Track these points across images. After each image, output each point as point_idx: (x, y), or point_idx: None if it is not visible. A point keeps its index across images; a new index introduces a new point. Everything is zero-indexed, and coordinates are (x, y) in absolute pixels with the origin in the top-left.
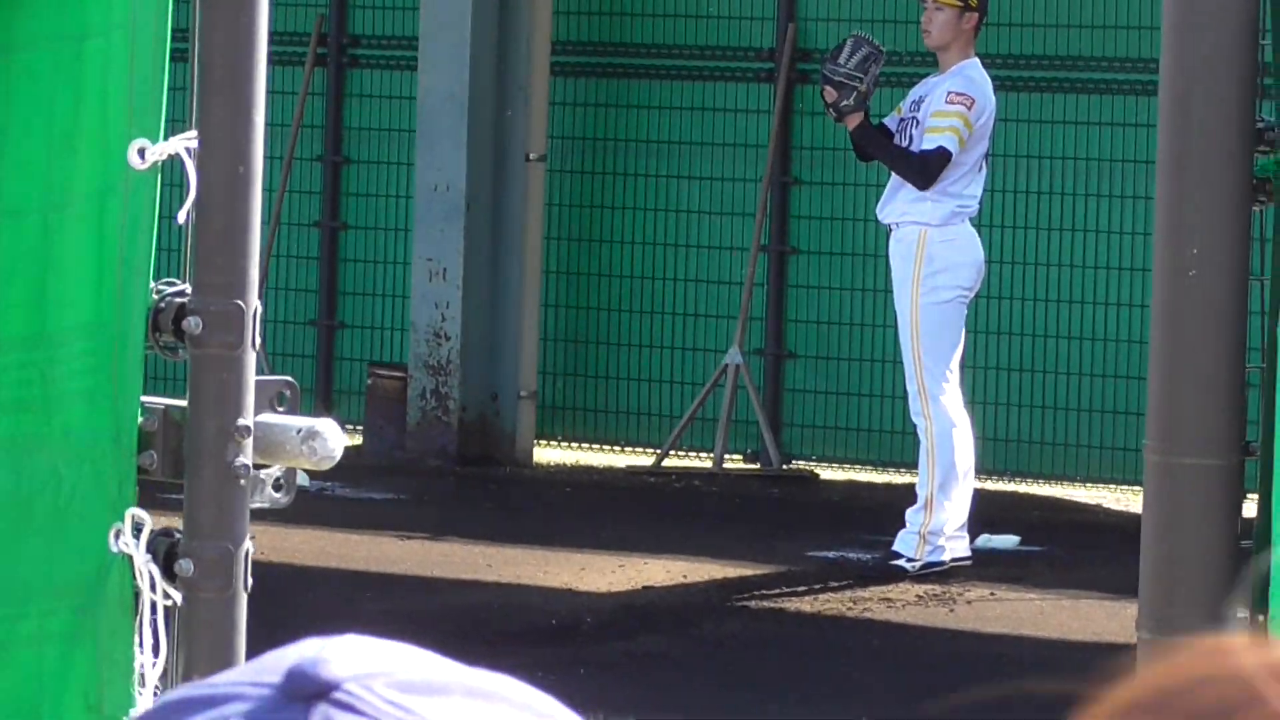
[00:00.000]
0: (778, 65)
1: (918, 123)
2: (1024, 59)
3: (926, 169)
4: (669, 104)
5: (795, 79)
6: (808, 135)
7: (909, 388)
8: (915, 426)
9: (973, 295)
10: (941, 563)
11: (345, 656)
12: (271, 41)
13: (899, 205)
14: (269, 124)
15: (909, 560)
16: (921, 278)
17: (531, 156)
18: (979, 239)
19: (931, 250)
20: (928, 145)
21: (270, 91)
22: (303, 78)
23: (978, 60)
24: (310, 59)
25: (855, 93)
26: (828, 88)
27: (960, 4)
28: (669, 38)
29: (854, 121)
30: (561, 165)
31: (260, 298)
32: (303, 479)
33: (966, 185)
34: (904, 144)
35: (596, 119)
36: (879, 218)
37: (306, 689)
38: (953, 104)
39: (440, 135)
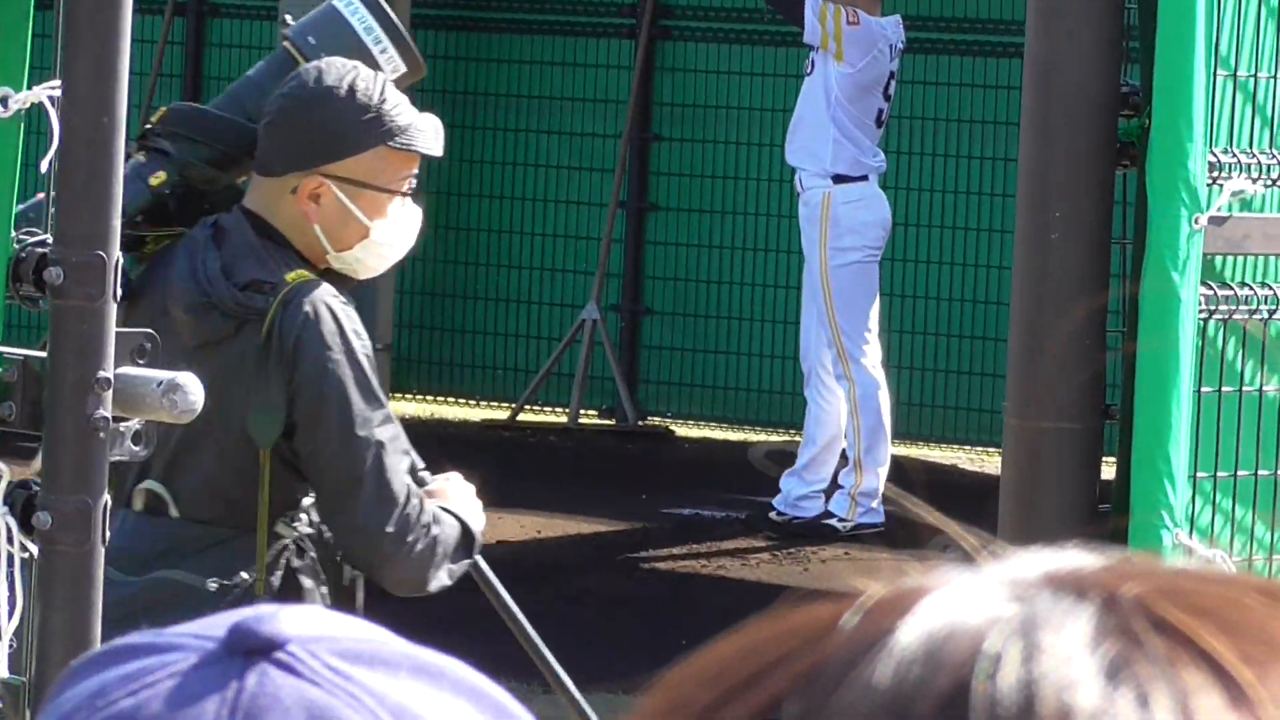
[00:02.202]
0: (639, 21)
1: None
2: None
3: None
4: (530, 58)
5: (657, 35)
6: (668, 92)
7: (816, 352)
8: (809, 395)
9: (880, 253)
10: (877, 525)
11: (295, 619)
12: None
13: (799, 147)
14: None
15: (840, 520)
16: (828, 240)
17: None
18: (885, 197)
19: (836, 212)
20: None
21: (131, 40)
22: (162, 26)
23: (884, 21)
24: (170, 7)
25: None
26: None
27: None
28: None
29: None
30: None
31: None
32: None
33: (851, 140)
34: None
35: (457, 73)
36: (785, 157)
37: (248, 645)
38: (845, 8)
39: None
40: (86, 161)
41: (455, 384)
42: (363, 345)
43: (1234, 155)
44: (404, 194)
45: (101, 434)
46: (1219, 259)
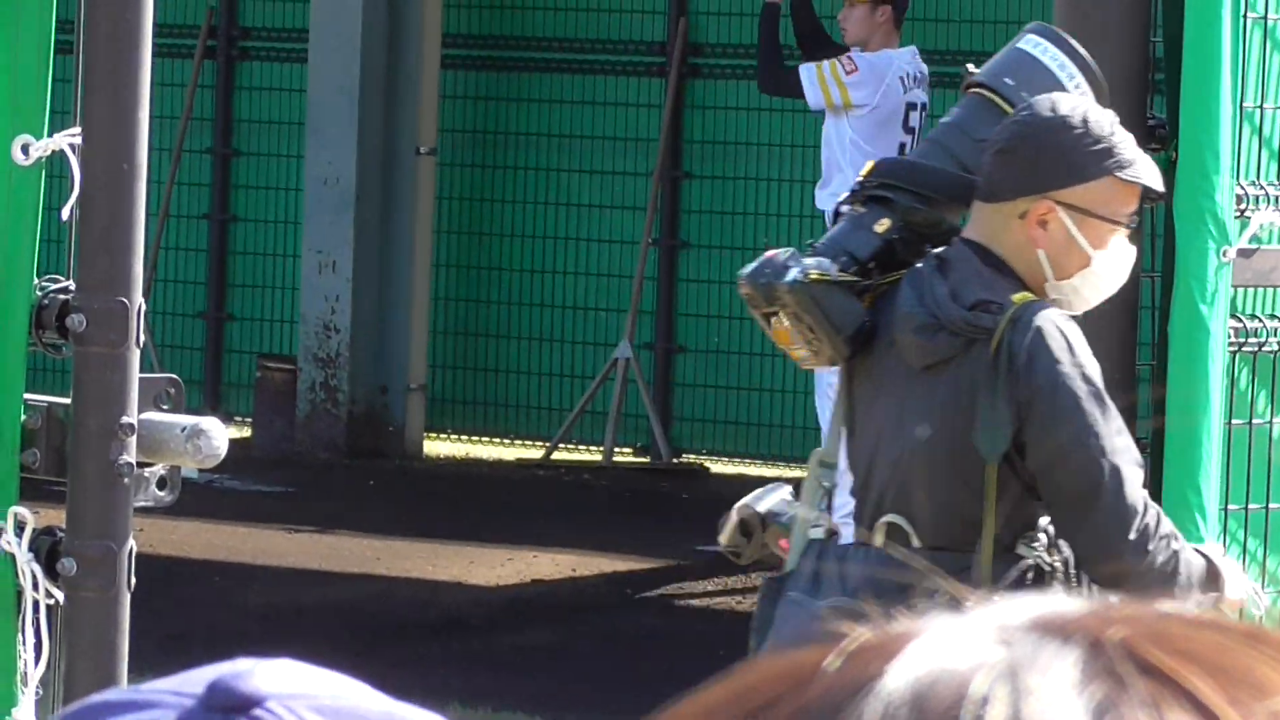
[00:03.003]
0: (669, 59)
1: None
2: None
3: (771, 75)
4: (560, 98)
5: (686, 73)
6: (699, 130)
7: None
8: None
9: None
10: None
11: (272, 675)
12: (160, 35)
13: (830, 193)
14: (158, 116)
15: None
16: None
17: (422, 150)
18: None
19: None
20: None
21: (160, 84)
22: (192, 70)
23: (895, 53)
24: (200, 51)
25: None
26: None
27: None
28: (560, 31)
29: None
30: (452, 159)
31: (149, 290)
32: (191, 471)
33: None
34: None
35: (487, 112)
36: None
37: (227, 702)
38: (840, 60)
39: (330, 128)
40: (107, 208)
41: (490, 423)
42: (1091, 360)
43: (1261, 187)
44: (1127, 227)
45: (125, 480)
46: (1247, 291)
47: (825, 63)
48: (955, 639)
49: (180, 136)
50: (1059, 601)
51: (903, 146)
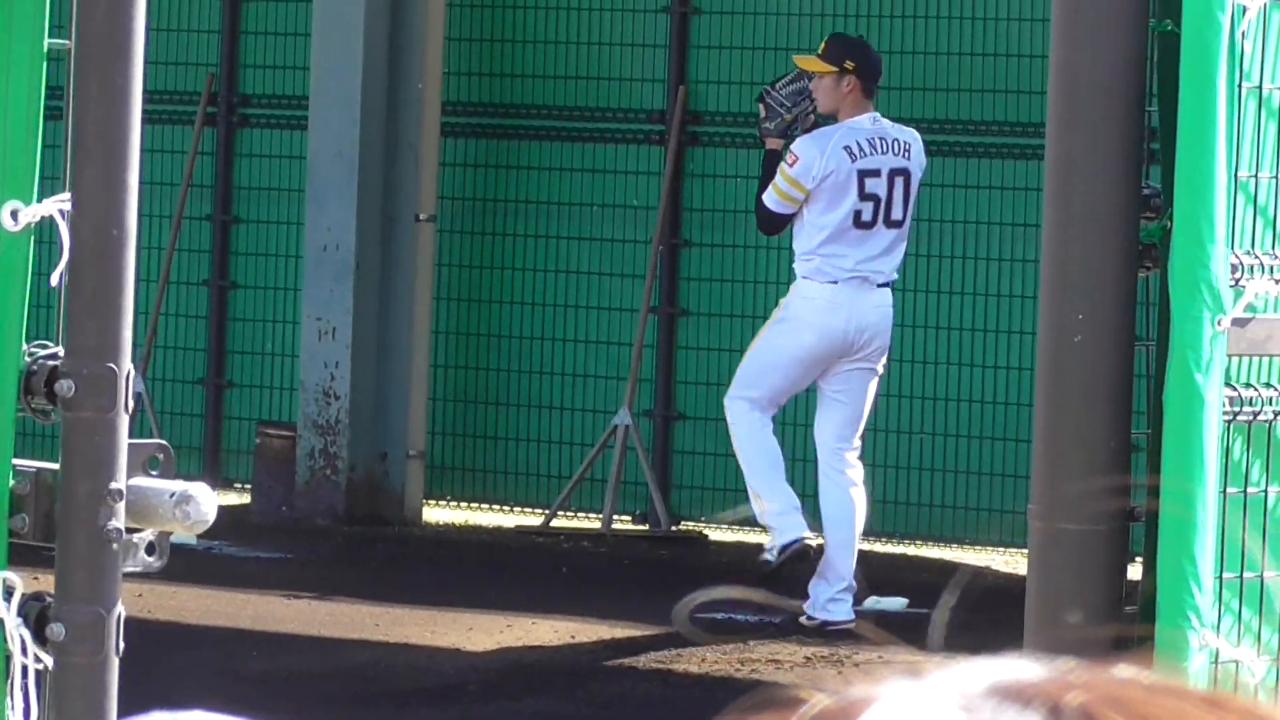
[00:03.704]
0: (668, 127)
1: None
2: (911, 122)
3: (758, 215)
4: (559, 165)
5: (686, 141)
6: (698, 197)
7: (820, 451)
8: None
9: (828, 362)
10: (847, 621)
11: None
12: (160, 101)
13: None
14: (159, 183)
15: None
16: (775, 317)
17: (421, 216)
18: (859, 308)
19: (792, 298)
20: None
21: (160, 150)
22: (192, 137)
23: (848, 122)
24: (200, 118)
25: (779, 119)
26: (760, 105)
27: (835, 69)
28: (559, 99)
29: (770, 144)
30: (451, 225)
31: (148, 357)
32: (190, 538)
33: (824, 245)
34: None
35: (487, 180)
36: None
37: None
38: (784, 162)
39: (329, 195)
40: (96, 273)
41: (489, 490)
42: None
43: (1256, 257)
44: None
45: (114, 545)
46: (1242, 359)
47: (779, 175)
48: (916, 705)
49: (180, 203)
50: (1018, 667)
51: (857, 214)
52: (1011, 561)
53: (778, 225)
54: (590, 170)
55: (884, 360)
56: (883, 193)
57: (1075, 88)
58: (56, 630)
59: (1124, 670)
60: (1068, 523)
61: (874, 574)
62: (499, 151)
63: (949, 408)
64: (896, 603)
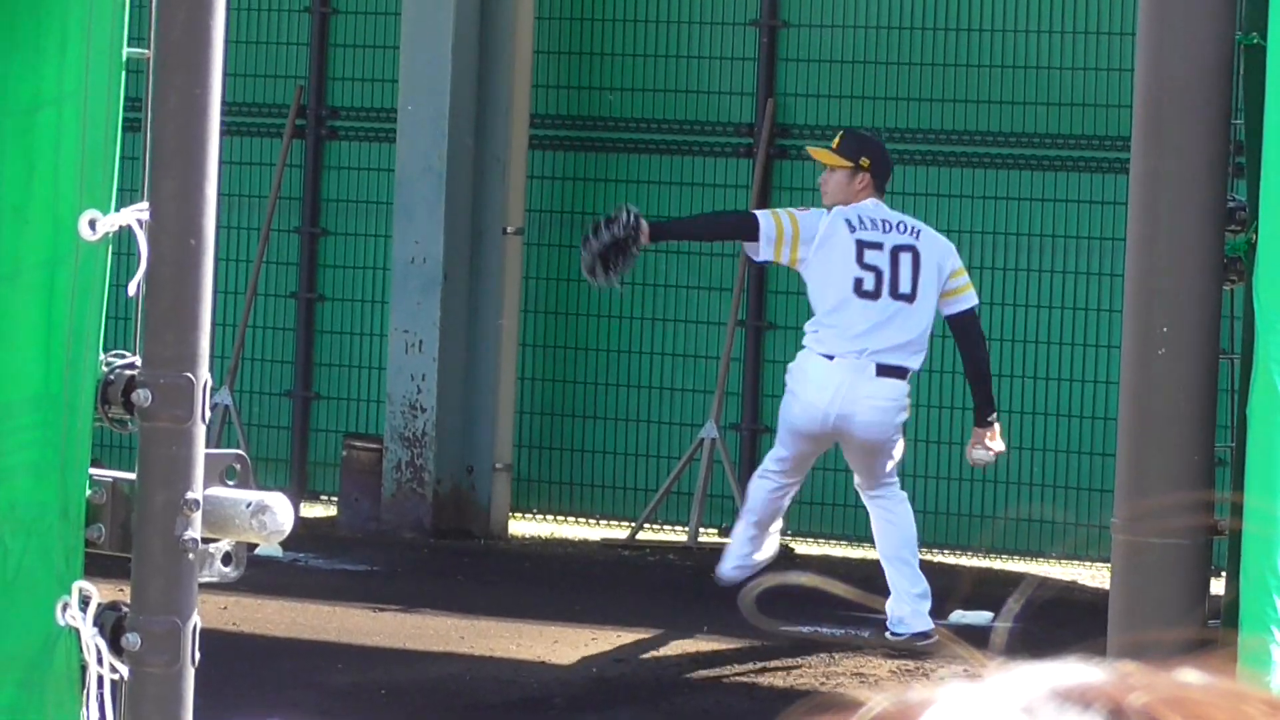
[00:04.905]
0: (756, 140)
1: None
2: (997, 136)
3: (713, 216)
4: (647, 178)
5: (774, 154)
6: None
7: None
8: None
9: (818, 439)
10: (928, 633)
11: None
12: (249, 114)
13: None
14: (247, 195)
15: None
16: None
17: (509, 229)
18: (848, 393)
19: (791, 368)
20: None
21: (248, 163)
22: (281, 149)
23: (868, 202)
24: (289, 130)
25: (627, 251)
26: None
27: (851, 165)
28: (648, 112)
29: (648, 239)
30: (539, 238)
31: (236, 368)
32: (276, 551)
33: (829, 314)
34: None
35: (574, 193)
36: None
37: None
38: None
39: (418, 207)
40: (173, 284)
41: (575, 503)
42: None
43: None
44: None
45: (190, 555)
46: None
47: (785, 213)
48: (976, 708)
49: (269, 215)
50: (1079, 669)
51: (859, 282)
52: (1099, 577)
53: (722, 229)
54: (678, 183)
55: (895, 444)
56: (884, 266)
57: (1161, 101)
58: (132, 640)
59: (1186, 672)
60: (1151, 536)
61: (960, 588)
62: (586, 164)
63: (1035, 421)
64: (981, 616)
